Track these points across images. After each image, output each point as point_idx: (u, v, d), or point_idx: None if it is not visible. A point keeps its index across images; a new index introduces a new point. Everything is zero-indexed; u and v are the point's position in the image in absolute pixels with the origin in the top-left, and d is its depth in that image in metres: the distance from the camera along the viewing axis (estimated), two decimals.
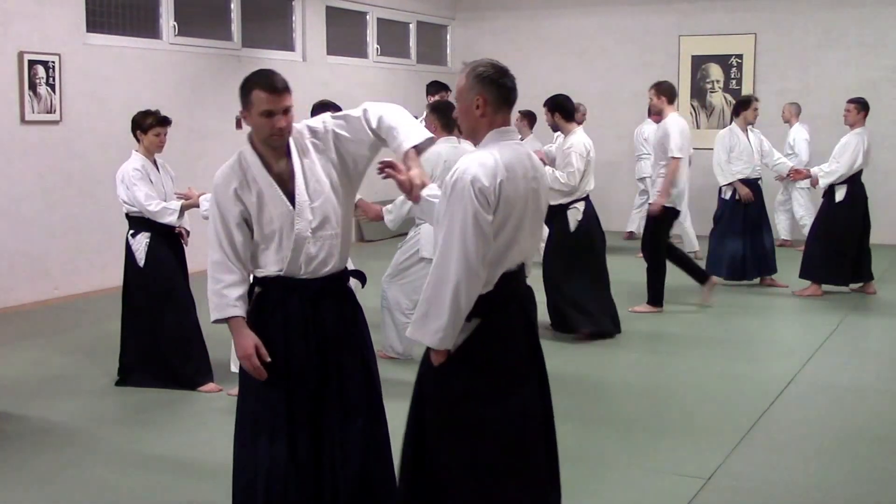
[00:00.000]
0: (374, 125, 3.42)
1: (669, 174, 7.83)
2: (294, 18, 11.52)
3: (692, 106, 13.21)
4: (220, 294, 3.42)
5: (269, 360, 3.37)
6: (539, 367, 3.37)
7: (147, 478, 4.51)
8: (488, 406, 3.15)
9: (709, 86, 13.11)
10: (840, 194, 8.68)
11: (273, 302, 3.46)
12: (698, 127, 13.15)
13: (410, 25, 13.68)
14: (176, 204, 5.85)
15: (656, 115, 8.11)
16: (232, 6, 10.52)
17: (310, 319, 3.44)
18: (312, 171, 3.45)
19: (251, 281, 3.54)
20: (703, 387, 6.06)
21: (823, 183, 8.71)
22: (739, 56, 12.87)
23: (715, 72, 13.04)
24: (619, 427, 5.27)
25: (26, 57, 8.17)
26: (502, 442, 3.16)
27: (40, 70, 8.29)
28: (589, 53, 13.57)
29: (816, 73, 12.46)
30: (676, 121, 7.91)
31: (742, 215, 9.04)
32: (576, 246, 7.17)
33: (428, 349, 3.16)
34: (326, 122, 3.49)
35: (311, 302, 3.46)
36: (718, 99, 13.06)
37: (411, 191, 3.27)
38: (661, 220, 7.92)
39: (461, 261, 3.01)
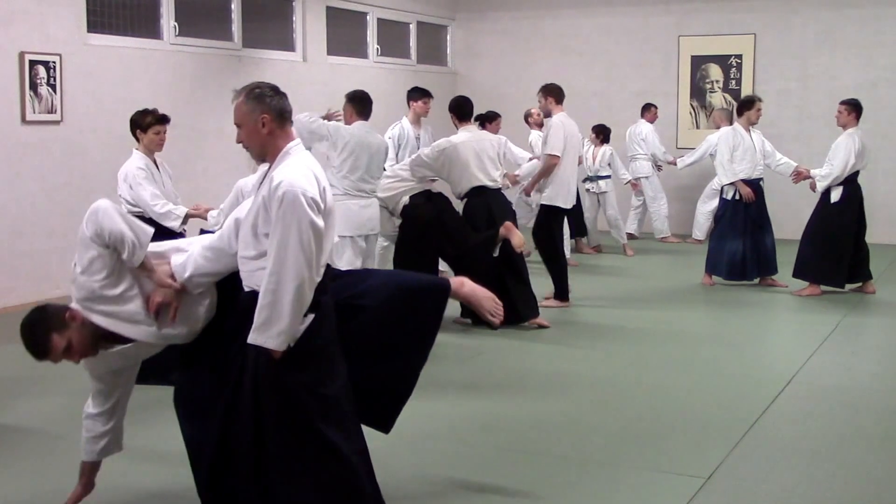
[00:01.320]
0: (105, 241, 3.46)
1: (544, 170, 8.10)
2: (294, 19, 11.53)
3: (692, 106, 13.23)
4: (88, 441, 3.88)
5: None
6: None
7: (135, 471, 4.52)
8: (327, 389, 3.43)
9: (708, 86, 13.12)
10: (836, 195, 8.68)
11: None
12: (698, 127, 13.17)
13: (410, 25, 13.69)
14: (181, 210, 5.87)
15: (546, 116, 8.35)
16: (232, 6, 10.53)
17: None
18: (124, 316, 3.57)
19: None
20: (702, 386, 6.07)
21: (821, 186, 8.71)
22: (739, 56, 12.88)
23: (714, 72, 13.06)
24: (619, 426, 5.28)
25: (27, 57, 8.18)
26: (340, 419, 3.46)
27: (41, 70, 8.30)
28: (589, 53, 13.58)
29: (816, 73, 12.48)
30: (562, 120, 8.06)
31: (743, 215, 9.05)
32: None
33: (257, 348, 3.32)
34: (87, 284, 3.54)
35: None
36: (718, 99, 13.07)
37: (175, 280, 3.53)
38: (551, 218, 8.17)
39: (302, 267, 3.24)
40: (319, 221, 3.28)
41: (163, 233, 5.94)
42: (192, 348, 3.74)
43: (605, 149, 11.37)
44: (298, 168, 3.33)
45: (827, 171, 8.66)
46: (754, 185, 9.06)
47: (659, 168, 12.35)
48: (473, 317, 7.55)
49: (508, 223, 7.28)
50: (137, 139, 6.07)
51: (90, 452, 3.94)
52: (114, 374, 3.81)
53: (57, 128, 8.51)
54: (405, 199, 7.61)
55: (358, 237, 6.98)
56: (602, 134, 11.46)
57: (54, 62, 8.39)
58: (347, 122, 7.16)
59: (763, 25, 12.76)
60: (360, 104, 7.18)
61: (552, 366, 6.59)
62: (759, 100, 9.20)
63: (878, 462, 4.77)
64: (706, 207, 12.05)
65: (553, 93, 8.16)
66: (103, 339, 3.62)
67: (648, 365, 6.58)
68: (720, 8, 12.96)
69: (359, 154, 6.97)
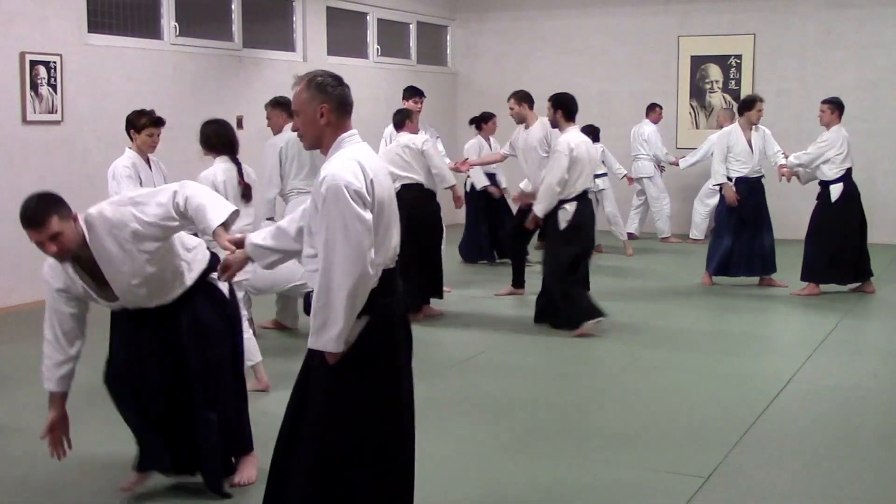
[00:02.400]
0: (182, 208, 3.80)
1: None
2: (294, 19, 11.54)
3: (691, 106, 13.23)
4: (49, 368, 3.95)
5: (68, 440, 4.02)
6: (409, 359, 3.50)
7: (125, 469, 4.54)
8: (376, 397, 3.29)
9: (708, 86, 13.13)
10: (836, 193, 8.67)
11: (127, 318, 4.07)
12: (697, 127, 13.18)
13: (410, 26, 13.71)
14: None
15: (519, 122, 8.51)
16: (233, 7, 10.54)
17: (163, 333, 4.04)
18: (119, 258, 3.80)
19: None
20: (701, 386, 6.08)
21: (790, 162, 8.81)
22: (738, 56, 12.89)
23: (714, 72, 13.06)
24: (618, 426, 5.29)
25: (28, 57, 8.19)
26: (383, 432, 3.31)
27: (42, 70, 8.31)
28: (589, 53, 13.59)
29: (815, 73, 12.48)
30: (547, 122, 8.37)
31: (737, 213, 9.07)
32: (566, 244, 7.30)
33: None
34: (131, 225, 3.77)
35: (164, 317, 4.02)
36: (717, 99, 13.08)
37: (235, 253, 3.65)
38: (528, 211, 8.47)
39: (351, 262, 3.09)
40: (366, 215, 3.11)
41: None
42: (136, 338, 4.06)
43: (597, 147, 11.41)
44: (345, 160, 3.19)
45: (801, 153, 8.75)
46: (752, 183, 9.07)
47: (661, 169, 12.37)
48: (551, 320, 7.48)
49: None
50: (131, 138, 6.08)
51: (58, 381, 3.98)
52: (69, 311, 3.93)
53: (57, 128, 8.51)
54: (396, 185, 7.59)
55: None
56: (591, 133, 11.50)
57: (55, 62, 8.39)
58: (278, 127, 7.15)
59: (763, 25, 12.77)
60: (289, 108, 7.20)
61: (552, 365, 6.60)
62: (761, 100, 9.19)
63: (878, 462, 4.77)
64: (703, 207, 12.07)
65: (527, 98, 8.44)
66: (77, 260, 3.80)
67: (648, 364, 6.58)
68: (720, 8, 12.97)
69: (300, 153, 6.95)
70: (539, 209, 7.30)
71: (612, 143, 11.86)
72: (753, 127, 9.06)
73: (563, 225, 7.27)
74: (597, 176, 11.29)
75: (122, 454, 4.45)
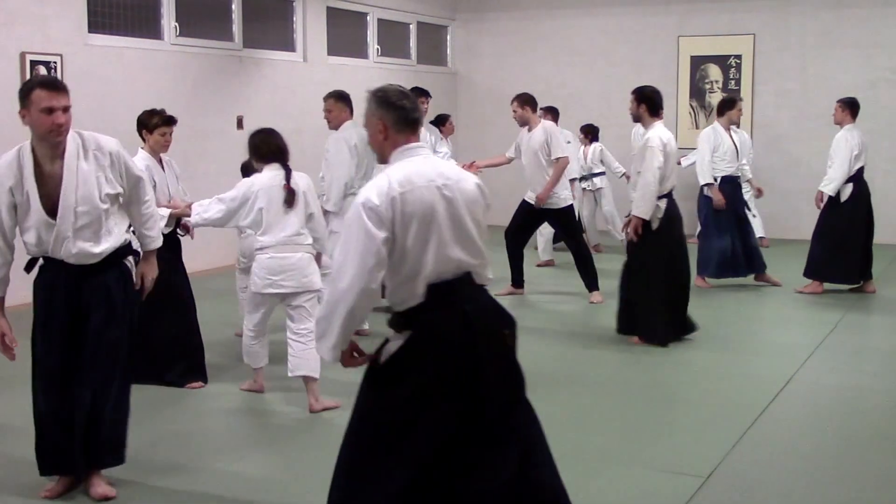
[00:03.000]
0: (138, 198, 4.22)
1: (561, 172, 8.42)
2: (295, 19, 11.55)
3: (691, 106, 13.23)
4: None
5: (15, 345, 4.34)
6: (479, 384, 3.14)
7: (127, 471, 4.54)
8: (402, 416, 3.12)
9: (707, 86, 13.14)
10: (845, 193, 8.69)
11: (46, 273, 4.31)
12: (697, 127, 13.16)
13: (410, 26, 13.71)
14: (165, 211, 5.79)
15: (522, 125, 8.62)
16: (233, 7, 10.55)
17: (73, 295, 4.22)
18: (85, 177, 4.00)
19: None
20: (701, 385, 6.09)
21: (830, 190, 8.68)
22: (738, 56, 12.90)
23: (714, 72, 13.07)
24: (618, 425, 5.30)
25: (28, 57, 8.19)
26: (405, 453, 3.11)
27: (42, 70, 8.30)
28: (589, 54, 13.60)
29: (815, 73, 12.49)
30: (554, 125, 8.80)
31: (727, 212, 9.08)
32: (654, 246, 6.91)
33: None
34: (114, 152, 4.13)
35: (77, 279, 4.19)
36: (717, 99, 13.03)
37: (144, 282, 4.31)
38: (574, 216, 8.91)
39: (355, 278, 3.06)
40: (377, 232, 3.05)
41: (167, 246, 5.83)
42: (56, 324, 4.29)
43: (595, 146, 11.50)
44: (379, 177, 3.18)
45: (831, 175, 8.65)
46: (734, 182, 9.13)
47: None
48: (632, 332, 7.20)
49: None
50: (143, 139, 6.06)
51: None
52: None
53: None
54: None
55: None
56: (591, 133, 11.59)
57: (55, 62, 8.40)
58: (339, 122, 7.07)
59: (762, 25, 12.77)
60: (350, 102, 7.20)
61: (551, 365, 6.59)
62: (741, 99, 9.31)
63: (878, 462, 4.78)
64: None
65: (530, 102, 8.55)
66: (39, 166, 4.02)
67: (647, 364, 6.59)
68: (720, 8, 12.98)
69: (361, 151, 6.95)
70: (642, 211, 6.80)
71: (612, 143, 11.87)
72: (732, 127, 9.13)
73: (655, 224, 6.86)
74: (594, 175, 11.38)
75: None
